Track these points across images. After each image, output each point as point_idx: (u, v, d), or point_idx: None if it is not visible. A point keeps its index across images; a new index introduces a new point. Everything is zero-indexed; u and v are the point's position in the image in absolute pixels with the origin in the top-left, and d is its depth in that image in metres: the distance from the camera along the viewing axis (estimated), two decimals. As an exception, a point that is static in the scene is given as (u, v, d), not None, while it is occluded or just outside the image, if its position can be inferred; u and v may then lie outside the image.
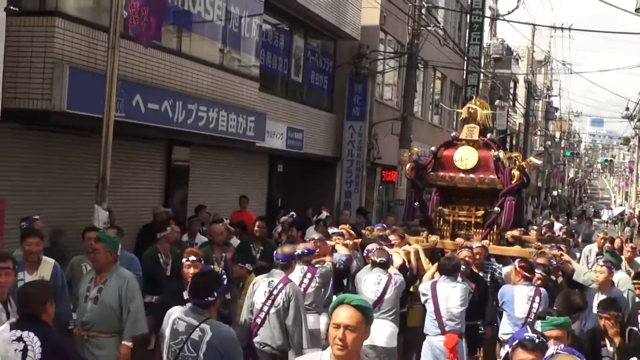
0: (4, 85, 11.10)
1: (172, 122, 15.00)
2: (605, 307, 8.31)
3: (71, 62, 12.54)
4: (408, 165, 14.21)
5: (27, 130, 12.79)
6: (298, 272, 9.99)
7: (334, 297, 10.19)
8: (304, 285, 10.01)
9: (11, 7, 10.67)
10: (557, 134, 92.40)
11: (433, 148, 14.27)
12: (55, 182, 13.82)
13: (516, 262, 10.89)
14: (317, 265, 10.48)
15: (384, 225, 14.85)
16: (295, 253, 9.74)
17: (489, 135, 14.34)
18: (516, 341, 5.28)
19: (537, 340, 5.23)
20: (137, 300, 8.28)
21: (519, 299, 10.24)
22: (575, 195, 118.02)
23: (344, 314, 4.72)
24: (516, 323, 10.05)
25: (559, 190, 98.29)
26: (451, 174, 13.63)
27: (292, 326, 8.79)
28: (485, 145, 13.79)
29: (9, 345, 6.12)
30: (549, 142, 79.55)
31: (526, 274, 10.37)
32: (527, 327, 6.05)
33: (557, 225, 26.80)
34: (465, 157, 13.61)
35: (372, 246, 10.98)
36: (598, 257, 13.83)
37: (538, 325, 6.41)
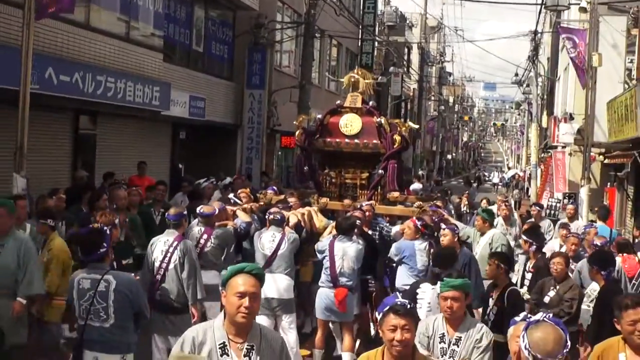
0: None
1: (82, 93, 15.58)
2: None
3: None
4: (297, 132, 14.45)
5: None
6: (196, 233, 10.68)
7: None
8: (200, 245, 10.56)
9: None
10: (451, 99, 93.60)
11: (319, 116, 14.74)
12: None
13: (414, 220, 11.38)
14: (217, 228, 10.96)
15: (275, 188, 15.40)
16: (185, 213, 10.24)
17: (371, 102, 14.79)
18: (387, 307, 5.15)
19: (408, 306, 5.16)
20: (32, 262, 8.43)
21: (419, 252, 10.84)
22: (469, 158, 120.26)
23: (248, 283, 4.81)
24: (417, 274, 10.60)
25: (453, 154, 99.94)
26: (337, 140, 13.96)
27: (187, 279, 9.24)
28: (368, 112, 14.14)
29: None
30: (443, 107, 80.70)
31: (425, 230, 11.10)
32: (397, 293, 6.60)
33: (416, 185, 27.13)
34: (350, 123, 13.96)
35: (272, 210, 11.48)
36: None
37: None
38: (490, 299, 8.89)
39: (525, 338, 4.34)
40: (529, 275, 11.50)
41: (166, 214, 10.28)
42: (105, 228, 7.74)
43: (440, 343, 6.38)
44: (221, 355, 4.79)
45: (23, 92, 12.43)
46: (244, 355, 4.81)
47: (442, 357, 6.35)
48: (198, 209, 11.03)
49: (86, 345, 7.20)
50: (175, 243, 9.38)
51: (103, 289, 7.11)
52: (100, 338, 7.16)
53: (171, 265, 9.26)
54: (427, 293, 8.27)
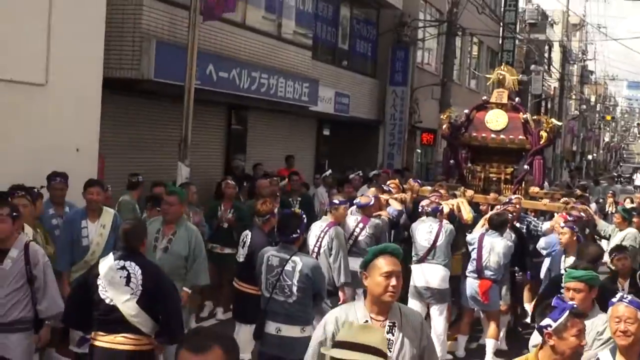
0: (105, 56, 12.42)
1: (238, 89, 16.49)
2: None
3: (157, 37, 14.03)
4: (444, 126, 14.66)
5: (120, 96, 14.10)
6: (352, 222, 11.06)
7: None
8: (356, 233, 10.96)
9: None
10: (593, 98, 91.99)
11: (466, 110, 14.80)
12: (142, 141, 15.40)
13: (564, 215, 11.38)
14: (373, 218, 11.27)
15: (419, 180, 15.59)
16: (343, 200, 10.78)
17: (517, 99, 15.04)
18: (566, 311, 4.90)
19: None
20: (202, 253, 8.79)
21: None
22: (611, 159, 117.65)
23: (392, 262, 4.88)
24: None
25: (594, 155, 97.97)
26: (483, 135, 14.22)
27: (332, 263, 9.77)
28: (514, 108, 14.41)
29: (114, 272, 6.73)
30: (584, 106, 79.40)
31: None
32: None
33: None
34: (496, 119, 14.19)
35: (425, 202, 11.79)
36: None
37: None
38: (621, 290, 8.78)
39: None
40: None
41: (355, 201, 11.06)
42: (304, 216, 8.17)
43: None
44: None
45: (188, 87, 13.47)
46: (387, 332, 4.82)
47: None
48: (355, 200, 11.54)
49: (270, 317, 7.72)
50: (327, 229, 9.95)
51: (290, 269, 7.60)
52: (283, 311, 7.64)
53: (322, 250, 9.83)
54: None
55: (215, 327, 10.34)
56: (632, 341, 5.38)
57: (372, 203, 11.41)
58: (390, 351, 4.70)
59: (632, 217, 13.80)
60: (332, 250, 9.83)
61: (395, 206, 12.19)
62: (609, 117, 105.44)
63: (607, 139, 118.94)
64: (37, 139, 10.76)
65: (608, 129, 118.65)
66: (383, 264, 4.85)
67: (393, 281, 4.82)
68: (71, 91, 11.42)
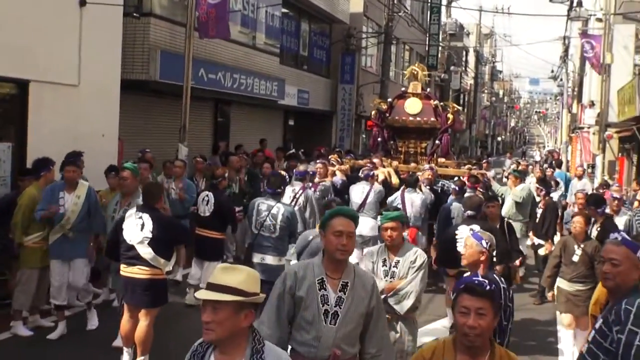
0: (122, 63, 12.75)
1: (223, 87, 16.88)
2: None
3: (161, 47, 14.39)
4: (373, 112, 14.87)
5: (133, 93, 14.25)
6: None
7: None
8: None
9: (134, 14, 12.54)
10: (501, 92, 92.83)
11: (390, 99, 14.91)
12: (151, 128, 15.73)
13: (467, 176, 11.55)
14: (320, 183, 11.34)
15: (352, 154, 16.11)
16: (307, 170, 10.92)
17: (428, 89, 15.12)
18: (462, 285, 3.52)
19: (487, 287, 3.46)
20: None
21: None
22: (516, 140, 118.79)
23: (344, 223, 4.37)
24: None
25: (503, 137, 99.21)
26: (403, 118, 14.28)
27: (309, 218, 9.81)
28: (426, 97, 14.55)
29: (133, 220, 7.08)
30: (494, 98, 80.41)
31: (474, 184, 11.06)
32: (478, 273, 4.93)
33: None
34: (413, 105, 14.25)
35: (364, 169, 11.94)
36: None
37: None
38: None
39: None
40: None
41: (295, 170, 10.83)
42: (286, 175, 8.65)
43: (382, 266, 5.86)
44: (319, 289, 4.31)
45: (185, 86, 13.85)
46: (339, 290, 4.34)
47: (384, 278, 5.83)
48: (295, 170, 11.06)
49: (256, 249, 8.08)
50: (301, 191, 10.06)
51: (275, 212, 8.03)
52: (268, 244, 8.05)
53: (296, 207, 9.62)
54: (464, 232, 7.66)
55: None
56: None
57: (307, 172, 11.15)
58: (340, 308, 4.30)
59: (523, 176, 14.44)
60: (307, 207, 9.91)
61: (339, 176, 12.32)
62: (517, 107, 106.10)
63: (512, 124, 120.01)
64: (73, 127, 11.15)
65: (514, 116, 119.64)
66: (336, 223, 4.35)
67: (344, 240, 4.31)
68: (97, 90, 11.76)
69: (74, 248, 8.35)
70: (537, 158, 64.37)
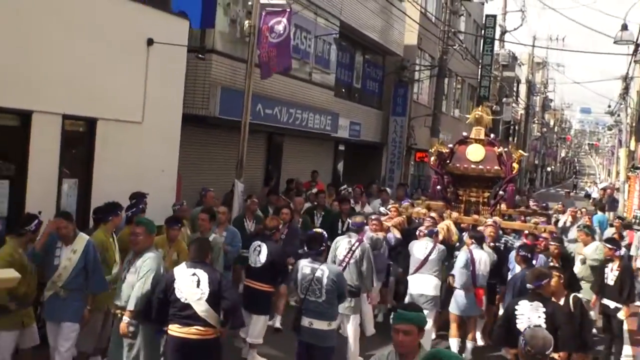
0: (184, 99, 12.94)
1: (279, 122, 17.10)
2: None
3: (222, 84, 14.62)
4: (432, 158, 14.11)
5: (193, 128, 14.50)
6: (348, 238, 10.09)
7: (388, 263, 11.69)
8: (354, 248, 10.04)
9: (199, 55, 12.85)
10: (552, 122, 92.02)
11: (451, 145, 14.29)
12: (206, 161, 15.90)
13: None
14: (368, 236, 10.76)
15: (409, 200, 15.57)
16: (364, 222, 10.42)
17: (492, 135, 14.60)
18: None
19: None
20: (142, 277, 7.16)
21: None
22: (566, 170, 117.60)
23: (401, 325, 4.72)
24: None
25: (552, 167, 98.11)
26: (464, 165, 13.75)
27: (366, 271, 9.54)
28: (490, 143, 13.93)
29: (187, 277, 6.87)
30: (545, 129, 79.67)
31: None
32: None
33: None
34: (475, 152, 13.76)
35: (422, 227, 11.49)
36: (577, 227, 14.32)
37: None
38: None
39: None
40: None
41: (350, 221, 10.47)
42: (324, 233, 8.29)
43: None
44: None
45: (244, 122, 13.84)
46: None
47: None
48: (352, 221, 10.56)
49: (304, 313, 7.86)
50: (357, 243, 9.70)
51: (319, 275, 7.80)
52: (315, 309, 7.81)
53: (352, 260, 9.56)
54: (524, 309, 7.32)
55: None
56: None
57: (364, 223, 10.78)
58: None
59: (594, 232, 13.27)
60: (364, 260, 9.59)
61: (394, 233, 11.97)
62: (568, 137, 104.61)
63: (563, 154, 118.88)
64: (136, 163, 11.40)
65: (564, 146, 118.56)
66: (396, 323, 4.80)
67: (399, 337, 4.76)
68: (159, 126, 12.01)
69: (64, 309, 7.70)
70: (595, 195, 63.09)
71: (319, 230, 8.74)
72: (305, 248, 8.20)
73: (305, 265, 7.98)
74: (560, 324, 5.79)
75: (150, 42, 11.69)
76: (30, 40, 9.49)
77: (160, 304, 6.95)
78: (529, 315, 7.19)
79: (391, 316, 4.95)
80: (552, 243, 11.19)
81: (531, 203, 19.18)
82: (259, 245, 9.41)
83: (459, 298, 10.41)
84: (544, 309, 7.17)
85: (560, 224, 15.71)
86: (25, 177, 9.54)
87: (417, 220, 13.06)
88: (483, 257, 10.52)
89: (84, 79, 10.41)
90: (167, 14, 12.43)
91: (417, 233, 11.29)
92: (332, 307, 7.95)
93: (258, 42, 14.00)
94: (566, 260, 11.14)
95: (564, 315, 6.92)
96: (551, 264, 10.34)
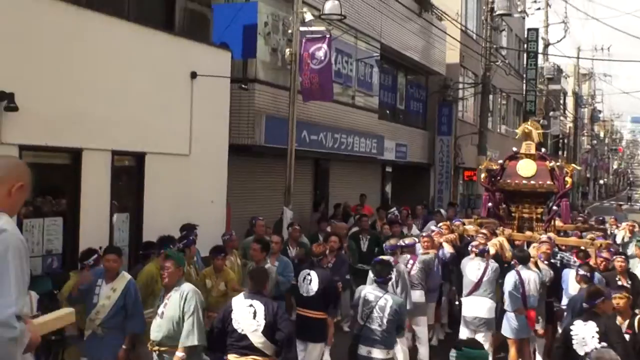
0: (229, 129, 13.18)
1: (325, 147, 17.22)
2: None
3: (266, 112, 14.80)
4: (482, 175, 13.92)
5: (239, 157, 14.49)
6: (404, 259, 10.49)
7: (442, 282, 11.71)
8: (408, 268, 10.33)
9: (242, 86, 13.07)
10: (602, 133, 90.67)
11: (501, 161, 14.10)
12: (253, 189, 16.01)
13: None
14: (421, 255, 10.89)
15: (460, 219, 14.91)
16: (399, 244, 10.46)
17: (542, 149, 14.43)
18: None
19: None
20: (193, 313, 6.99)
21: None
22: (620, 182, 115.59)
23: None
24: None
25: (605, 180, 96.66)
26: (516, 181, 13.45)
27: (401, 293, 9.38)
28: (541, 158, 13.69)
29: (244, 308, 6.91)
30: (595, 141, 78.49)
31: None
32: None
33: None
34: (526, 167, 13.48)
35: (474, 243, 11.12)
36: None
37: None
38: None
39: None
40: None
41: (385, 244, 10.54)
42: (390, 259, 8.41)
43: None
44: None
45: (290, 149, 14.05)
46: None
47: None
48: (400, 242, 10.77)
49: (362, 341, 7.79)
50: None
51: (382, 304, 7.74)
52: (374, 337, 7.73)
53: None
54: (580, 328, 7.15)
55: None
56: None
57: (414, 244, 11.07)
58: None
59: None
60: (399, 283, 9.55)
61: (447, 249, 11.84)
62: (620, 149, 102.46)
63: (615, 166, 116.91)
64: (185, 195, 11.62)
65: (616, 157, 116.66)
66: None
67: None
68: (206, 158, 12.25)
69: (103, 348, 7.62)
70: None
71: (387, 257, 8.80)
72: (373, 275, 8.17)
73: (369, 292, 7.95)
74: (613, 343, 5.62)
75: (193, 75, 11.94)
76: (82, 81, 9.77)
77: (219, 334, 7.03)
78: (583, 334, 7.05)
79: (452, 354, 4.89)
80: (618, 258, 10.76)
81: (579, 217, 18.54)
82: (309, 274, 9.24)
83: (511, 321, 10.18)
84: (597, 328, 6.99)
85: (618, 240, 15.17)
86: (78, 214, 9.82)
87: (468, 238, 12.91)
88: (532, 277, 10.17)
89: (131, 114, 10.67)
90: (209, 47, 12.71)
91: (469, 249, 11.09)
92: (391, 336, 7.92)
93: (300, 70, 14.19)
94: (634, 278, 10.64)
95: (616, 334, 6.72)
96: (619, 282, 10.05)
